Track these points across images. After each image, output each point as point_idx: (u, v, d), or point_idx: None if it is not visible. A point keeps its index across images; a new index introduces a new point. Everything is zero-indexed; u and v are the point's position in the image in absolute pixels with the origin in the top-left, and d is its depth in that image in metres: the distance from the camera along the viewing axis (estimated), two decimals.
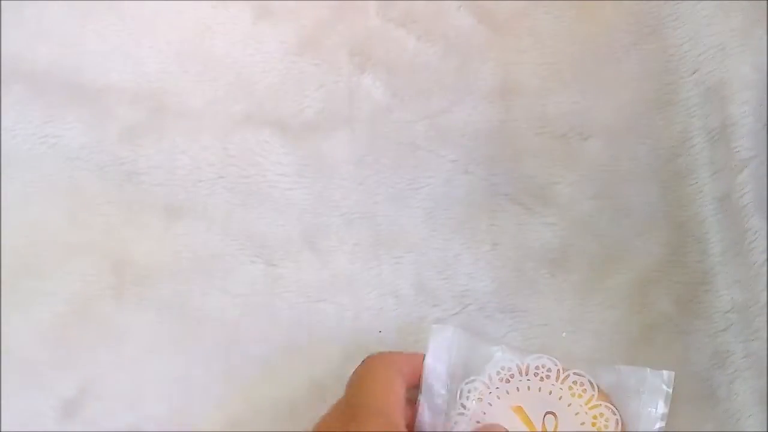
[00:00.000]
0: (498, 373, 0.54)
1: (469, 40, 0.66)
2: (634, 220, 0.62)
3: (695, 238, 0.62)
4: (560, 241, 0.62)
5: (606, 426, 0.52)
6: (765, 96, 0.62)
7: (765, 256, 0.59)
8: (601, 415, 0.52)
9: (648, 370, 0.53)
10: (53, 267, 0.62)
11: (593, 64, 0.66)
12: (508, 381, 0.53)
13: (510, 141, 0.64)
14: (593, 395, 0.52)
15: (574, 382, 0.53)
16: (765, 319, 0.58)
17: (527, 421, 0.52)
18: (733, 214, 0.61)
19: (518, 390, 0.53)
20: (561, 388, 0.53)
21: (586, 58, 0.66)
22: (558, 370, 0.53)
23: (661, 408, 0.53)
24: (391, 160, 0.64)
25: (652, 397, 0.53)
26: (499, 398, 0.53)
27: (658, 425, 0.52)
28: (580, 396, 0.52)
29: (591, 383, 0.53)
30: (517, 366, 0.54)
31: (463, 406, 0.53)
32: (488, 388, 0.53)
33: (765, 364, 0.58)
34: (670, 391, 0.53)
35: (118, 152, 0.64)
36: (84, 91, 0.65)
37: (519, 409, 0.52)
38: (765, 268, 0.59)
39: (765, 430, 0.57)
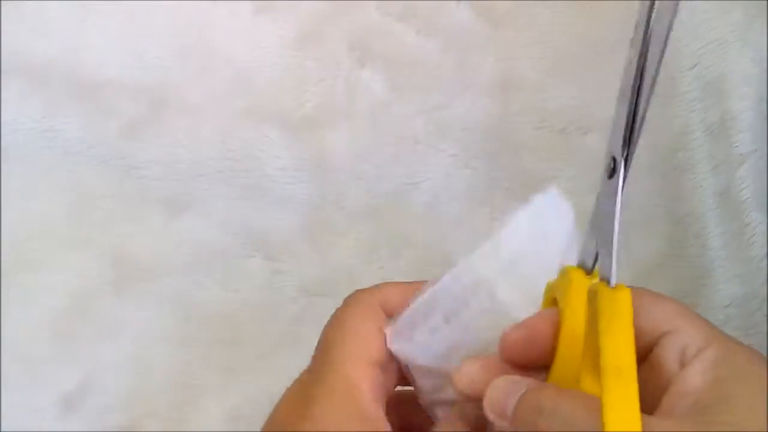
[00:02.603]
0: None
1: (468, 34, 0.66)
2: (633, 215, 0.62)
3: (694, 233, 0.62)
4: None
5: None
6: (764, 90, 0.62)
7: (764, 251, 0.59)
8: None
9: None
10: (53, 261, 0.62)
11: (592, 58, 0.66)
12: None
13: (509, 135, 0.64)
14: None
15: None
16: (765, 313, 0.58)
17: None
18: (732, 209, 0.61)
19: None
20: None
21: (586, 52, 0.66)
22: None
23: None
24: (390, 155, 0.64)
25: None
26: None
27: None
28: None
29: None
30: None
31: None
32: None
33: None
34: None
35: (118, 146, 0.64)
36: (84, 86, 0.66)
37: None
38: (764, 263, 0.59)
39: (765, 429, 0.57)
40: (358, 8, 0.67)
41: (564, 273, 0.38)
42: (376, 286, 0.43)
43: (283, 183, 0.64)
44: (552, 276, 0.39)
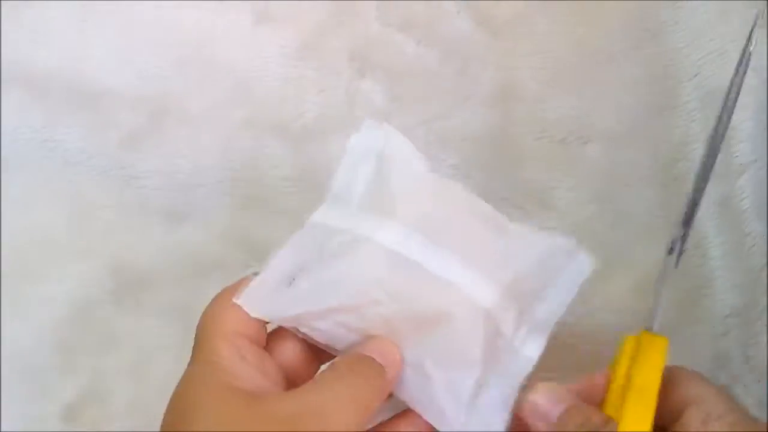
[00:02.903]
0: None
1: (468, 44, 0.66)
2: (633, 225, 0.62)
3: (695, 243, 0.62)
4: None
5: None
6: (764, 100, 0.62)
7: (765, 261, 0.59)
8: None
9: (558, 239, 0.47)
10: (53, 271, 0.62)
11: (592, 68, 0.66)
12: None
13: (509, 146, 0.64)
14: None
15: None
16: (765, 323, 0.58)
17: None
18: (732, 219, 0.61)
19: None
20: None
21: (586, 62, 0.66)
22: None
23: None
24: None
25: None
26: None
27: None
28: None
29: None
30: None
31: None
32: None
33: (765, 369, 0.58)
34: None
35: (118, 157, 0.64)
36: (84, 96, 0.66)
37: None
38: (764, 273, 0.59)
39: None
40: (358, 19, 0.67)
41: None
42: (239, 281, 0.44)
43: (283, 193, 0.64)
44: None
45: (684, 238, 0.42)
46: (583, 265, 0.47)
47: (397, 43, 0.66)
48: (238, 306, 0.42)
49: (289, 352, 0.43)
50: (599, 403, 0.42)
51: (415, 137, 0.64)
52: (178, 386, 0.41)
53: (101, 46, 0.67)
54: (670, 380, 0.41)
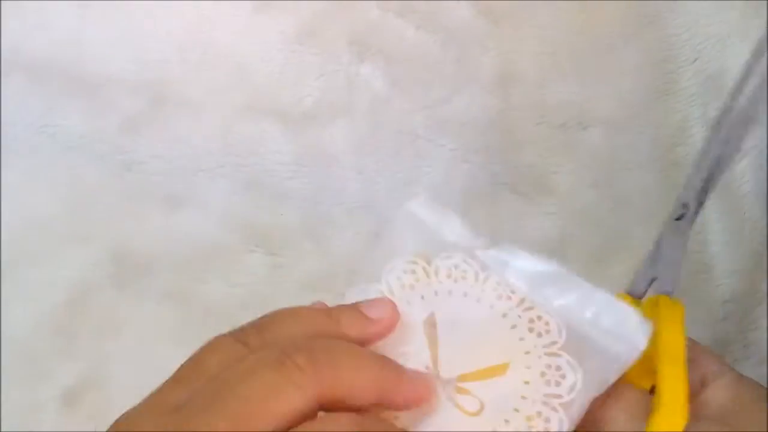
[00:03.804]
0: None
1: (468, 29, 0.66)
2: (633, 210, 0.62)
3: (694, 228, 0.61)
4: (560, 231, 0.62)
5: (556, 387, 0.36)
6: (765, 86, 0.62)
7: (764, 246, 0.59)
8: (558, 368, 0.36)
9: (632, 312, 0.38)
10: (53, 256, 0.62)
11: (592, 53, 0.66)
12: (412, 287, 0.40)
13: (509, 130, 0.64)
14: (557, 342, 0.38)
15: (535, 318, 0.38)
16: (765, 308, 0.58)
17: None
18: (732, 204, 0.61)
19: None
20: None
21: (586, 47, 0.66)
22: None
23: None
24: (390, 150, 0.64)
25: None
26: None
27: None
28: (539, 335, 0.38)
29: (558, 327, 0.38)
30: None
31: None
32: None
33: (765, 354, 0.58)
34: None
35: (118, 142, 0.64)
36: (84, 81, 0.66)
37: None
38: (764, 258, 0.59)
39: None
40: (358, 3, 0.67)
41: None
42: None
43: (283, 178, 0.64)
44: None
45: (698, 208, 0.40)
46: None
47: (397, 27, 0.66)
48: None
49: None
50: None
51: (415, 122, 0.65)
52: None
53: (101, 31, 0.67)
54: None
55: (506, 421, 0.35)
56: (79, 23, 0.67)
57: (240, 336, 0.36)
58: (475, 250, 0.42)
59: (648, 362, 0.37)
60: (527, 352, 0.37)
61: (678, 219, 0.39)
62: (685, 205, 0.38)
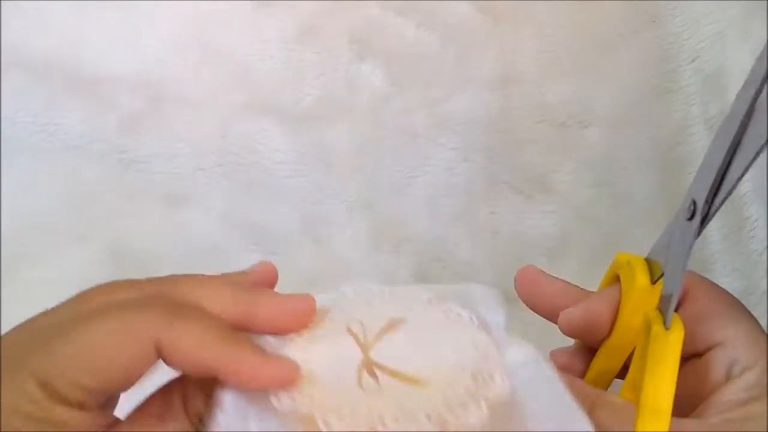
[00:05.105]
0: None
1: (468, 28, 0.66)
2: (633, 208, 0.62)
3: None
4: (559, 229, 0.62)
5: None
6: (764, 83, 0.62)
7: (764, 244, 0.59)
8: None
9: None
10: (53, 255, 0.62)
11: (593, 52, 0.66)
12: None
13: (509, 129, 0.64)
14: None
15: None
16: (765, 307, 0.58)
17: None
18: (732, 203, 0.61)
19: None
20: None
21: (586, 46, 0.66)
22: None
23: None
24: (390, 149, 0.64)
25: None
26: None
27: None
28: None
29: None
30: None
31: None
32: None
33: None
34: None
35: (118, 141, 0.64)
36: (84, 80, 0.65)
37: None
38: (764, 256, 0.59)
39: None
40: (358, 2, 0.67)
41: (631, 266, 0.40)
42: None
43: (282, 176, 0.64)
44: None
45: (710, 209, 0.35)
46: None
47: (397, 26, 0.66)
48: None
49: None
50: (594, 336, 0.41)
51: (415, 121, 0.65)
52: None
53: (101, 30, 0.67)
54: (698, 311, 0.38)
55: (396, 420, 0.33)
56: (79, 22, 0.67)
57: (137, 282, 0.36)
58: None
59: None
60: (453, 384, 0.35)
61: (689, 219, 0.36)
62: (693, 202, 0.36)
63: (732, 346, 0.37)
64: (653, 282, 0.39)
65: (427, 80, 0.65)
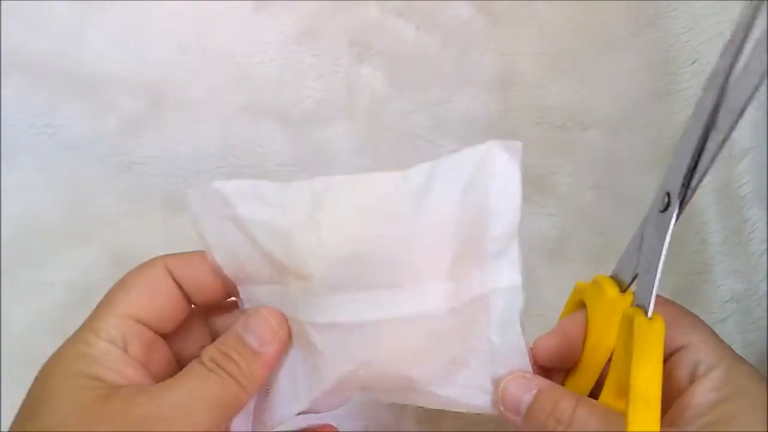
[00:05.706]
0: None
1: (468, 30, 0.66)
2: (633, 210, 0.62)
3: (694, 229, 0.62)
4: (559, 231, 0.62)
5: None
6: (764, 86, 0.62)
7: (764, 246, 0.59)
8: None
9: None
10: (52, 257, 0.62)
11: (593, 54, 0.66)
12: None
13: (509, 131, 0.64)
14: None
15: None
16: (764, 309, 0.58)
17: None
18: (732, 204, 0.61)
19: None
20: None
21: (586, 48, 0.66)
22: None
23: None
24: (390, 150, 0.64)
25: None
26: None
27: None
28: None
29: None
30: None
31: None
32: None
33: (765, 354, 0.58)
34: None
35: (118, 143, 0.64)
36: (83, 82, 0.65)
37: None
38: (764, 258, 0.59)
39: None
40: (357, 4, 0.67)
41: (597, 283, 0.41)
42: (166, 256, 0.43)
43: (282, 179, 0.63)
44: None
45: (683, 201, 0.36)
46: (504, 156, 0.38)
47: (397, 28, 0.66)
48: (143, 285, 0.41)
49: (193, 340, 0.43)
50: (567, 358, 0.41)
51: (415, 122, 0.65)
52: (41, 370, 0.39)
53: (101, 32, 0.67)
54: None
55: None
56: (79, 24, 0.67)
57: None
58: None
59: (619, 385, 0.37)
60: None
61: (662, 211, 0.36)
62: (667, 195, 0.36)
63: (695, 349, 0.38)
64: (622, 291, 0.40)
65: (426, 82, 0.65)
